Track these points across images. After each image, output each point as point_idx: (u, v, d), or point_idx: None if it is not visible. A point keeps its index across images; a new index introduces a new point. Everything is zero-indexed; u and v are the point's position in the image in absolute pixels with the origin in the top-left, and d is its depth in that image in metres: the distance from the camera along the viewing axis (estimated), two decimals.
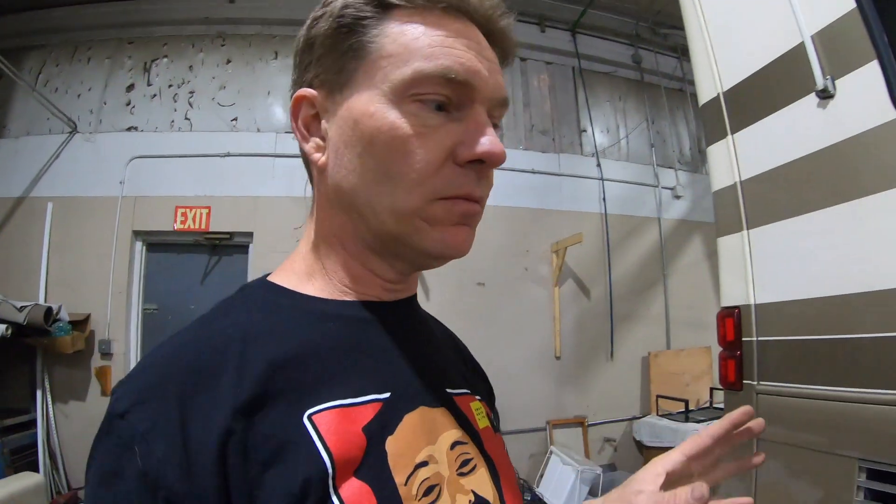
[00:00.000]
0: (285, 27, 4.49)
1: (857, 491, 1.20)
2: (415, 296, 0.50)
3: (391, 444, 0.38)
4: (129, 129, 4.20)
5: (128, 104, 4.30)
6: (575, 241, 3.66)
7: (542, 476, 3.54)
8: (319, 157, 0.43)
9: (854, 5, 1.30)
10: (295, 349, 0.39)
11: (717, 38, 1.74)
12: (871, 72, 1.25)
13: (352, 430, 0.37)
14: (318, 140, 0.44)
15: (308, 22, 0.44)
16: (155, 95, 4.32)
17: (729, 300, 1.64)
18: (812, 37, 1.40)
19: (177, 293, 3.71)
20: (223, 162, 3.98)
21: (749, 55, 1.61)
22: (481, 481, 0.43)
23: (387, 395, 0.40)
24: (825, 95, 1.36)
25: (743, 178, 1.65)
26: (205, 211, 3.86)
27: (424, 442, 0.40)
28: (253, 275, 3.76)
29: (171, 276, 3.76)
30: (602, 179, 4.19)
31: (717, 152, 1.74)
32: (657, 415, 3.67)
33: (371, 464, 0.36)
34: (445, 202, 0.40)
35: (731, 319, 1.61)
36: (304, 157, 0.46)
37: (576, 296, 4.01)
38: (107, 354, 3.57)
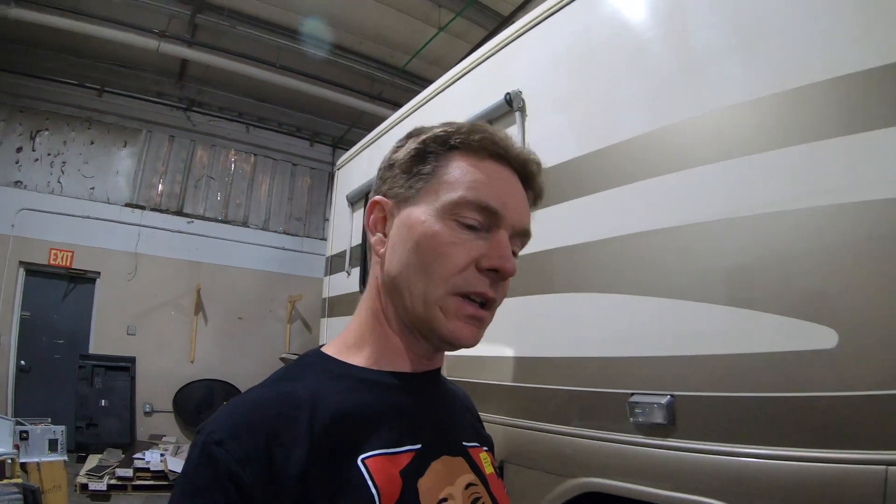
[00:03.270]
0: (133, 122, 6.92)
1: None
2: (439, 369, 0.68)
3: (422, 483, 0.54)
4: (16, 182, 6.57)
5: (16, 163, 6.64)
6: (298, 298, 6.62)
7: None
8: (380, 249, 0.62)
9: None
10: (351, 407, 0.55)
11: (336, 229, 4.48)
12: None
13: (392, 472, 0.53)
14: (381, 236, 0.63)
15: (392, 148, 0.66)
16: (37, 160, 6.69)
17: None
18: (350, 248, 4.09)
19: (44, 305, 6.32)
20: (84, 221, 6.53)
21: (340, 241, 4.35)
22: None
23: (419, 445, 0.57)
24: (349, 274, 4.09)
25: (329, 296, 4.44)
26: (70, 253, 6.44)
27: (445, 483, 0.57)
28: (98, 298, 6.48)
29: (42, 294, 6.36)
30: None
31: (330, 280, 4.53)
32: None
33: (407, 498, 0.52)
34: (460, 299, 0.57)
35: None
36: (368, 247, 0.65)
37: (301, 331, 7.02)
38: None
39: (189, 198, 7.03)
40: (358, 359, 0.61)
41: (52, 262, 6.34)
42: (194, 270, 6.77)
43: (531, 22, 2.47)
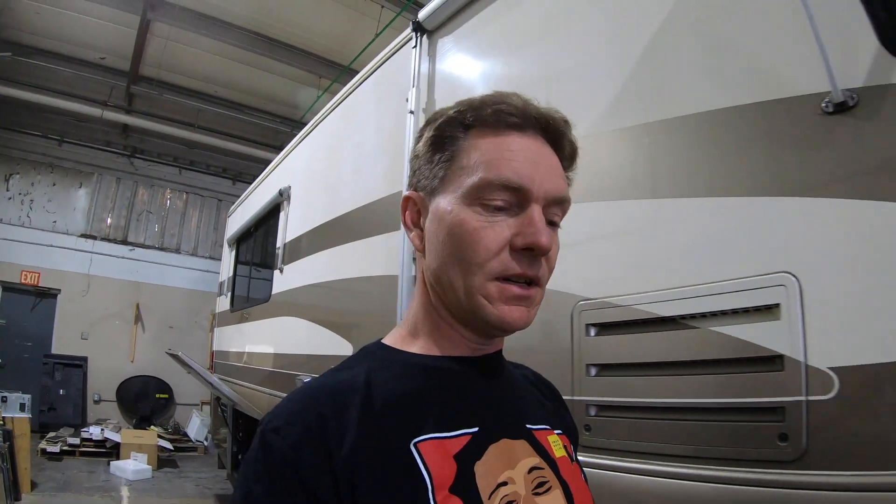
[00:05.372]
0: (87, 167, 9.39)
1: None
2: (500, 351, 0.71)
3: (479, 467, 0.57)
4: None
5: None
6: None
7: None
8: (419, 245, 0.67)
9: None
10: (405, 392, 0.60)
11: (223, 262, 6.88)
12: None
13: (446, 456, 0.56)
14: (418, 231, 0.67)
15: (415, 138, 0.69)
16: (11, 198, 9.17)
17: (216, 347, 6.77)
18: (227, 278, 6.47)
19: (17, 315, 8.68)
20: (48, 248, 9.03)
21: (224, 272, 6.74)
22: (555, 500, 0.62)
23: (475, 429, 0.60)
24: (226, 296, 6.53)
25: (217, 311, 6.81)
26: (37, 274, 8.88)
27: (505, 467, 0.59)
28: (59, 310, 8.97)
29: (15, 305, 8.81)
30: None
31: (219, 300, 6.87)
32: None
33: (462, 482, 0.55)
34: (500, 283, 0.60)
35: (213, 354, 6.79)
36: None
37: None
38: None
39: (132, 229, 9.53)
40: (414, 347, 0.67)
41: (23, 281, 8.76)
42: (135, 289, 9.28)
43: (302, 135, 4.31)
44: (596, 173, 1.56)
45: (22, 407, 5.54)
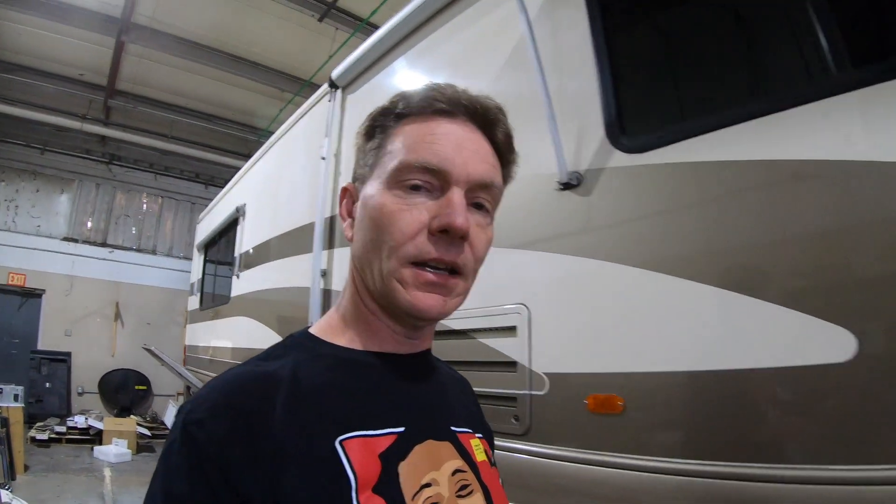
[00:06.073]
0: (68, 174, 9.77)
1: None
2: (429, 350, 0.71)
3: (403, 467, 0.56)
4: None
5: None
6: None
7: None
8: (349, 234, 0.66)
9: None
10: (332, 387, 0.58)
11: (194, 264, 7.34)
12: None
13: (371, 455, 0.54)
14: (350, 221, 0.67)
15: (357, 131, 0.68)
16: None
17: (188, 342, 7.28)
18: (197, 280, 7.00)
19: (4, 314, 9.18)
20: (33, 251, 9.40)
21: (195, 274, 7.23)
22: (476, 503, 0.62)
23: (402, 429, 0.59)
24: (196, 296, 7.01)
25: (189, 309, 7.31)
26: (23, 276, 9.31)
27: (430, 468, 0.58)
28: (44, 309, 9.38)
29: (2, 305, 9.20)
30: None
31: (190, 299, 7.38)
32: None
33: (386, 482, 0.54)
34: (416, 269, 0.58)
35: (185, 348, 7.31)
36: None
37: None
38: None
39: (111, 232, 9.98)
40: (342, 339, 0.64)
41: (10, 282, 9.23)
42: (115, 288, 9.76)
43: (256, 158, 4.90)
44: None
45: (16, 397, 6.08)
